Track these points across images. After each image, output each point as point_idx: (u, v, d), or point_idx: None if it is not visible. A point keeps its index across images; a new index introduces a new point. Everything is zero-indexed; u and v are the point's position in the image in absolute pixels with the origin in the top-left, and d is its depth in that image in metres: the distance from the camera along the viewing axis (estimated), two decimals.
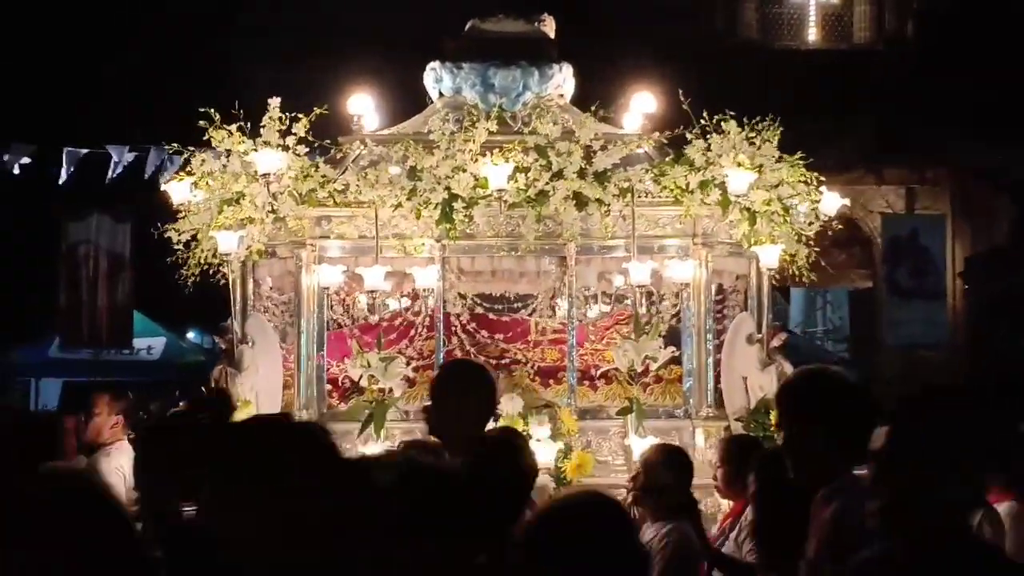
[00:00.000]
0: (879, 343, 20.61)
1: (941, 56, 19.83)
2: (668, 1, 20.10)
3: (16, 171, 18.04)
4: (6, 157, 18.10)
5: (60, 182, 16.19)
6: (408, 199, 7.56)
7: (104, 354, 17.82)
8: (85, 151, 16.68)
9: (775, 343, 7.95)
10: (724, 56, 19.71)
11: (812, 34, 21.98)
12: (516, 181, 7.54)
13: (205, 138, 7.74)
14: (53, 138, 16.90)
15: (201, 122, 7.69)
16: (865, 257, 21.43)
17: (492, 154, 7.56)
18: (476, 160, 7.58)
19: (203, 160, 7.72)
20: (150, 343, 19.38)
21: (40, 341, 19.14)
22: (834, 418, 3.64)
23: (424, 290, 7.99)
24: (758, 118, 7.89)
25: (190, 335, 22.77)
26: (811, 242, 8.08)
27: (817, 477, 3.75)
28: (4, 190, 18.27)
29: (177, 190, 7.79)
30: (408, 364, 7.71)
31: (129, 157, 16.23)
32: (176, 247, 7.86)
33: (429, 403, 5.10)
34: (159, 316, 19.37)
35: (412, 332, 8.06)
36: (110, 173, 15.68)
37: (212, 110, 7.70)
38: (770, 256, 7.80)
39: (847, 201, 8.95)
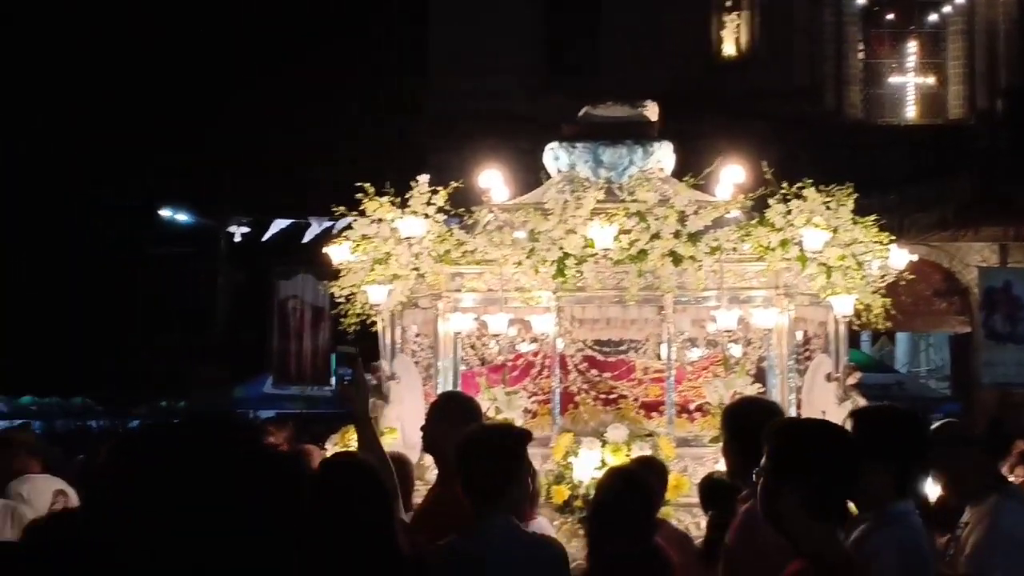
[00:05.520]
0: (976, 382, 19.75)
1: None
2: (786, 85, 19.85)
3: (238, 238, 18.79)
4: (230, 228, 18.89)
5: (263, 240, 16.67)
6: (528, 257, 7.55)
7: (309, 390, 18.21)
8: (290, 221, 17.25)
9: (851, 381, 7.65)
10: (832, 132, 19.29)
11: (910, 112, 21.33)
12: (620, 241, 7.47)
13: (361, 208, 7.87)
14: (265, 211, 17.52)
15: (358, 195, 7.84)
16: (963, 305, 20.60)
17: (599, 218, 7.52)
18: (586, 224, 7.54)
19: (353, 225, 7.82)
20: (347, 379, 19.75)
21: (256, 379, 19.68)
22: None
23: (542, 334, 7.95)
24: (833, 185, 7.68)
25: None
26: (883, 292, 7.81)
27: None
28: (229, 253, 19.00)
29: (337, 252, 7.92)
30: (529, 398, 7.69)
31: (327, 224, 16.71)
32: (338, 300, 7.99)
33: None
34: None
35: (533, 371, 8.03)
36: (306, 237, 16.17)
37: (368, 184, 7.82)
38: (844, 305, 7.54)
39: (915, 256, 8.61)
